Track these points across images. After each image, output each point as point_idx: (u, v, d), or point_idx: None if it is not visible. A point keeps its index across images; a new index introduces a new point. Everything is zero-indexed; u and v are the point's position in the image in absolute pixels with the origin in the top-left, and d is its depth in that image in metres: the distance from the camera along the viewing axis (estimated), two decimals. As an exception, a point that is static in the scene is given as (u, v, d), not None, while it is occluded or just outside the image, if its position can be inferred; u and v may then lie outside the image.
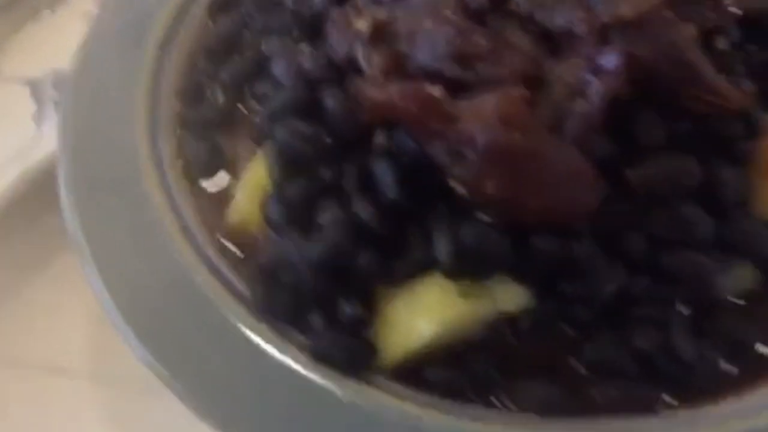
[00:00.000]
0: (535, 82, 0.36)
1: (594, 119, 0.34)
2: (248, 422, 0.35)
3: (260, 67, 0.45)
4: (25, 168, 0.47)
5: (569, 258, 0.36)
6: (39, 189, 0.46)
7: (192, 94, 0.46)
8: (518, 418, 0.36)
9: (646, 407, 0.36)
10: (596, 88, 0.34)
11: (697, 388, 0.36)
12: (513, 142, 0.33)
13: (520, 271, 0.36)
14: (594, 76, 0.34)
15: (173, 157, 0.44)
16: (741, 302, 0.38)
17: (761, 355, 0.38)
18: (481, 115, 0.33)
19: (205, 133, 0.45)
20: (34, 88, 0.52)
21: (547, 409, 0.36)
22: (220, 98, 0.46)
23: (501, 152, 0.33)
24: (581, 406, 0.36)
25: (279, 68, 0.42)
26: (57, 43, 0.51)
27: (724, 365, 0.37)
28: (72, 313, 0.47)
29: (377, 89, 0.35)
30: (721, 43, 0.41)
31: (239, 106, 0.46)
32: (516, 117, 0.33)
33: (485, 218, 0.35)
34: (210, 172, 0.43)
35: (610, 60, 0.34)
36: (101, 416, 0.44)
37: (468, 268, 0.35)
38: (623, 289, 0.37)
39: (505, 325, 0.37)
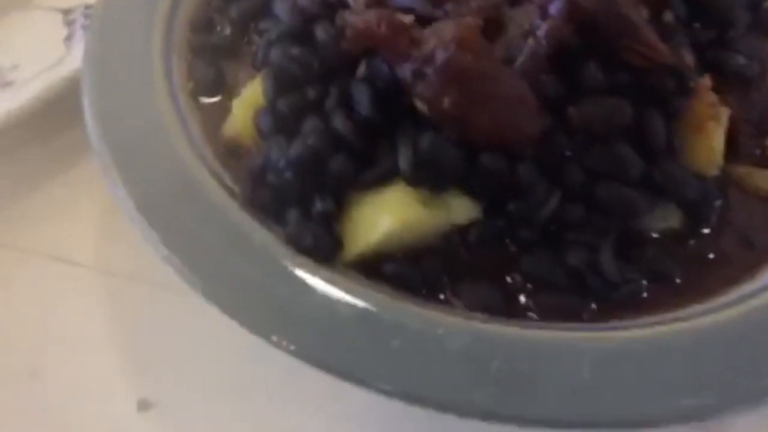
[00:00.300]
0: (494, 24, 0.42)
1: (539, 56, 0.40)
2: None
3: (265, 7, 0.51)
4: (52, 80, 0.53)
5: (513, 178, 0.41)
6: (64, 100, 0.52)
7: (204, 25, 0.52)
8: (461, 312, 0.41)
9: (573, 315, 0.41)
10: (543, 29, 0.40)
11: (618, 304, 0.42)
12: (466, 62, 0.39)
13: (471, 186, 0.42)
14: (543, 20, 0.40)
15: (184, 78, 0.50)
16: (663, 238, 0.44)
17: (675, 284, 0.43)
18: (441, 38, 0.39)
19: (213, 59, 0.51)
20: (67, 15, 0.58)
21: (487, 309, 0.41)
22: (228, 31, 0.52)
23: (456, 71, 0.39)
24: (518, 309, 0.42)
25: (279, 6, 0.48)
26: None
27: (642, 287, 0.43)
28: (86, 211, 0.52)
29: (358, 17, 0.41)
30: (668, 17, 0.47)
31: (244, 39, 0.52)
32: (470, 41, 0.39)
33: (443, 135, 0.41)
34: (214, 92, 0.50)
35: (555, 6, 0.40)
36: (102, 303, 0.49)
37: (426, 177, 0.41)
38: (559, 214, 0.43)
39: (456, 236, 0.43)
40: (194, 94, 0.49)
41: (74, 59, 0.53)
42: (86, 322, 0.48)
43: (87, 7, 0.58)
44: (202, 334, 0.45)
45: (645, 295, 0.42)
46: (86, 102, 0.46)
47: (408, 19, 0.41)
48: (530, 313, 0.42)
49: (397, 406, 0.37)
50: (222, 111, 0.48)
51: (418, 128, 0.42)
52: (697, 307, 0.41)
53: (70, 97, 0.52)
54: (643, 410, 0.36)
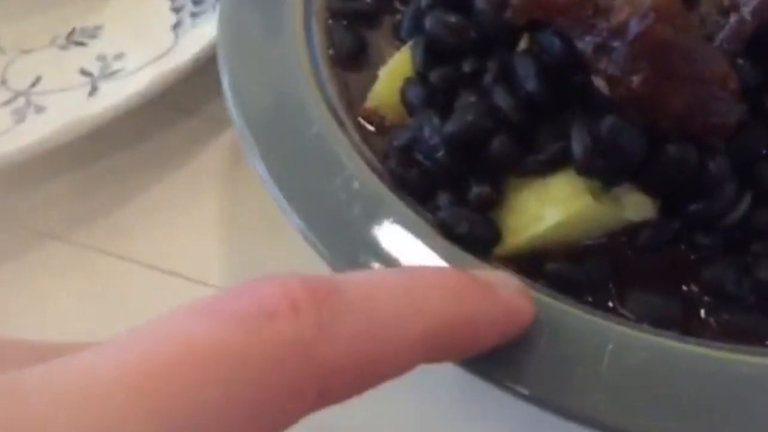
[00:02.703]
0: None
1: (743, 34, 0.35)
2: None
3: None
4: (161, 70, 0.49)
5: (701, 173, 0.36)
6: (173, 92, 0.49)
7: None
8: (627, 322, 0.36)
9: (759, 338, 0.36)
10: (750, 3, 0.34)
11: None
12: (665, 35, 0.33)
13: (650, 180, 0.37)
14: (751, -5, 0.35)
15: (323, 44, 0.46)
16: None
17: None
18: (636, 6, 0.34)
19: (353, 25, 0.47)
20: (174, 1, 0.54)
21: (659, 321, 0.36)
22: (370, -1, 0.48)
23: (652, 44, 0.33)
24: (697, 325, 0.36)
25: (432, -29, 0.44)
26: None
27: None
28: (202, 216, 0.48)
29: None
30: None
31: (387, 6, 0.48)
32: (670, 11, 0.33)
33: (625, 119, 0.36)
34: (355, 60, 0.45)
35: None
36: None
37: (601, 166, 0.36)
38: (748, 220, 0.37)
39: (622, 236, 0.38)
40: (335, 63, 0.45)
41: (182, 50, 0.50)
42: None
43: None
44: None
45: None
46: (224, 72, 0.43)
47: (594, -15, 0.36)
48: (714, 333, 0.36)
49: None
50: (365, 81, 0.44)
51: (593, 111, 0.37)
52: None
53: (173, 90, 0.49)
54: None
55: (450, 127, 0.38)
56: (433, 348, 0.26)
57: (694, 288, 0.37)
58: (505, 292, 0.30)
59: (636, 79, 0.35)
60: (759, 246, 0.37)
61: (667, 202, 0.37)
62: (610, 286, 0.37)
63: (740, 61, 0.37)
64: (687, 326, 0.36)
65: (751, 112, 0.37)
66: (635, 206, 0.37)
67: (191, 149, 0.50)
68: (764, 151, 0.37)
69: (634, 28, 0.34)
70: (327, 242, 0.36)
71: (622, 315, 0.36)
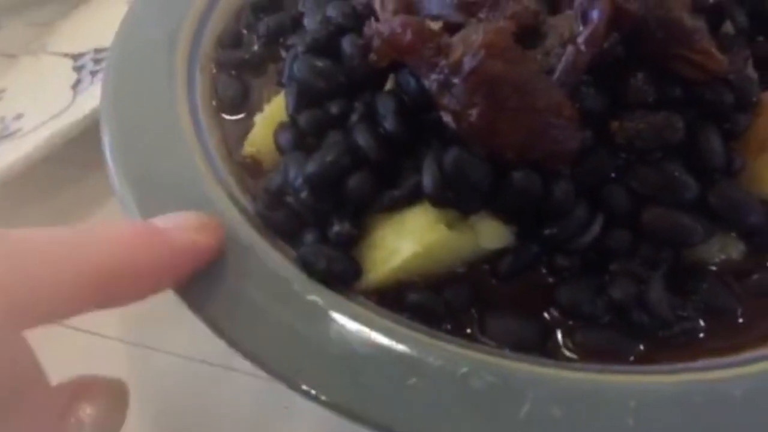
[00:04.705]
0: (533, 32, 0.38)
1: (578, 64, 0.36)
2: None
3: (295, 23, 0.49)
4: (59, 128, 0.50)
5: (548, 199, 0.37)
6: (69, 151, 0.51)
7: (231, 41, 0.50)
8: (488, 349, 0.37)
9: (618, 356, 0.37)
10: (583, 35, 0.36)
11: (669, 344, 0.37)
12: (496, 70, 0.35)
13: (503, 209, 0.38)
14: (585, 27, 0.37)
15: (207, 95, 0.47)
16: (722, 271, 0.39)
17: (736, 323, 0.38)
18: (469, 44, 0.35)
19: (240, 74, 0.49)
20: (76, 61, 0.56)
21: (519, 346, 0.37)
22: (256, 46, 0.50)
23: (484, 79, 0.35)
24: (555, 348, 0.37)
25: (308, 19, 0.46)
26: (103, 24, 0.53)
27: (697, 326, 0.38)
28: None
29: (384, 23, 0.38)
30: (727, 28, 0.43)
31: (272, 55, 0.49)
32: (501, 47, 0.35)
33: (471, 151, 0.37)
34: (237, 108, 0.47)
35: (596, 10, 0.36)
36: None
37: (452, 197, 0.38)
38: (602, 241, 0.38)
39: (485, 264, 0.39)
40: (216, 113, 0.47)
41: (78, 108, 0.51)
42: None
43: (97, 50, 0.56)
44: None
45: (701, 335, 0.38)
46: (104, 131, 0.44)
47: (436, 25, 0.38)
48: (569, 353, 0.37)
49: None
50: (246, 128, 0.46)
51: (445, 145, 0.38)
52: (761, 351, 0.36)
53: (75, 147, 0.50)
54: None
55: (310, 167, 0.39)
56: (96, 292, 0.31)
57: (555, 312, 0.38)
58: (178, 235, 0.34)
59: (474, 113, 0.36)
60: (616, 266, 0.38)
61: (523, 228, 0.39)
62: (473, 312, 0.38)
63: (585, 89, 0.38)
64: (543, 349, 0.37)
65: (596, 138, 0.38)
66: (491, 234, 0.38)
67: (97, 202, 0.52)
68: (612, 175, 0.38)
69: (468, 64, 0.36)
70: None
71: (480, 341, 0.37)
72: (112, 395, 0.34)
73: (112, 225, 0.34)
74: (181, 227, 0.35)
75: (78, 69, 0.55)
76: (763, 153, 0.40)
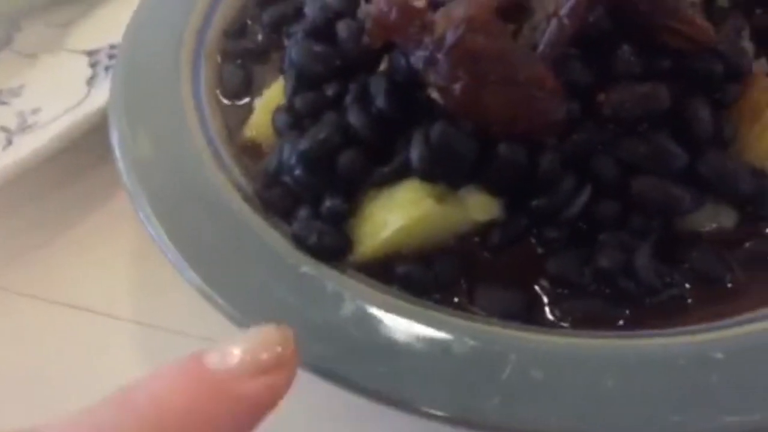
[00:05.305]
0: (519, 9, 0.39)
1: (561, 37, 0.37)
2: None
3: (298, 12, 0.50)
4: (73, 120, 0.52)
5: (535, 171, 0.38)
6: (85, 142, 0.52)
7: (236, 31, 0.52)
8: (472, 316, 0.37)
9: (604, 323, 0.37)
10: (566, 7, 0.37)
11: (656, 311, 0.37)
12: (477, 44, 0.36)
13: (491, 181, 0.39)
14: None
15: (211, 84, 0.49)
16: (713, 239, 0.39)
17: (725, 291, 0.38)
18: (450, 19, 0.36)
19: (245, 63, 0.50)
20: (92, 57, 0.58)
21: (507, 314, 0.37)
22: (260, 36, 0.51)
23: (465, 53, 0.36)
24: (543, 316, 0.38)
25: (309, 7, 0.47)
26: (119, 21, 0.54)
27: (684, 293, 0.38)
28: (115, 256, 0.51)
29: (373, 4, 0.39)
30: (721, 1, 0.43)
31: (275, 43, 0.51)
32: (482, 21, 0.36)
33: (458, 125, 0.38)
34: (241, 95, 0.49)
35: (581, -17, 0.36)
36: (138, 357, 0.47)
37: (439, 171, 0.38)
38: (590, 212, 0.39)
39: (475, 237, 0.40)
40: (220, 100, 0.49)
41: (93, 101, 0.53)
42: (118, 374, 0.45)
43: (111, 46, 0.58)
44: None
45: (689, 302, 0.38)
46: (112, 122, 0.46)
47: (420, 3, 0.38)
48: (558, 321, 0.38)
49: (393, 415, 0.34)
50: (247, 114, 0.47)
51: (433, 121, 0.39)
52: (749, 315, 0.36)
53: (90, 138, 0.52)
54: (674, 428, 0.32)
55: (303, 144, 0.40)
56: None
57: (544, 282, 0.39)
58: (251, 387, 0.27)
59: (457, 87, 0.37)
60: (604, 236, 0.39)
61: (511, 200, 0.39)
62: (462, 284, 0.39)
63: (571, 62, 0.39)
64: (531, 317, 0.37)
65: (584, 110, 0.39)
66: (480, 206, 0.39)
67: (108, 193, 0.54)
68: (600, 146, 0.39)
69: (450, 39, 0.37)
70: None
71: (470, 311, 0.38)
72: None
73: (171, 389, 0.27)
74: (253, 369, 0.28)
75: (93, 65, 0.57)
76: (756, 123, 0.40)
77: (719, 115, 0.39)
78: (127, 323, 0.48)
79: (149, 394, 0.26)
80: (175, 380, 0.27)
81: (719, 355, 0.33)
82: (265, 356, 0.28)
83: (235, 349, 0.28)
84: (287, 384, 0.28)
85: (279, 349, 0.28)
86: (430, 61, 0.38)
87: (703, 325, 0.36)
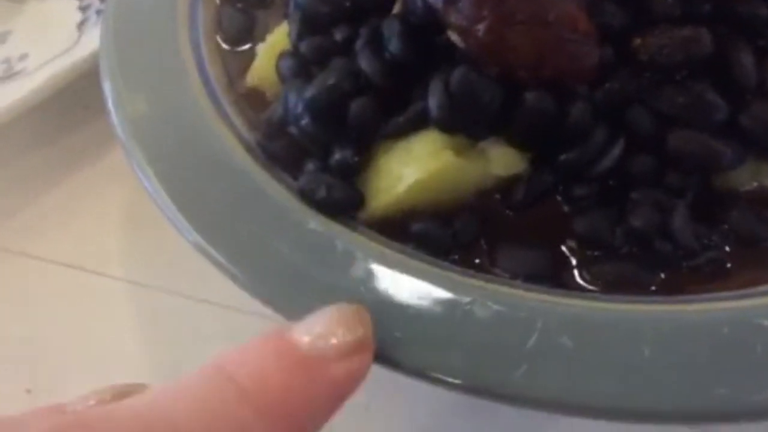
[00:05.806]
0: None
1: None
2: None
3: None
4: (63, 66, 0.49)
5: (564, 121, 0.35)
6: (73, 90, 0.49)
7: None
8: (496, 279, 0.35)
9: (638, 287, 0.34)
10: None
11: (694, 275, 0.35)
12: (504, -21, 0.32)
13: (515, 132, 0.36)
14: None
15: (210, 29, 0.46)
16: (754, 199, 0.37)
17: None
18: (475, -46, 0.33)
19: (246, 6, 0.47)
20: (82, 1, 0.55)
21: (532, 277, 0.35)
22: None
23: (490, -11, 0.33)
24: (571, 279, 0.35)
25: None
26: None
27: (724, 255, 0.35)
28: (106, 211, 0.49)
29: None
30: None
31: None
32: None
33: (481, 70, 0.35)
34: (242, 41, 0.45)
35: None
36: (129, 315, 0.45)
37: (460, 121, 0.35)
38: (623, 167, 0.36)
39: (497, 193, 0.37)
40: (220, 45, 0.45)
41: (83, 47, 0.50)
42: (112, 334, 0.44)
43: None
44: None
45: (729, 265, 0.35)
46: (104, 69, 0.42)
47: (440, -63, 0.35)
48: (587, 285, 0.35)
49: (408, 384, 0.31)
50: (248, 61, 0.44)
51: (452, 66, 0.36)
52: (794, 280, 0.33)
53: (81, 87, 0.49)
54: (712, 401, 0.29)
55: (310, 91, 0.37)
56: None
57: (571, 242, 0.36)
58: (336, 369, 0.27)
59: (481, 28, 0.34)
60: (637, 194, 0.36)
61: (537, 154, 0.36)
62: (483, 244, 0.36)
63: (606, 4, 0.36)
64: (559, 280, 0.34)
65: (618, 55, 0.35)
66: (503, 160, 0.36)
67: (100, 147, 0.51)
68: (635, 96, 0.36)
69: (474, -25, 0.33)
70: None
71: (492, 272, 0.35)
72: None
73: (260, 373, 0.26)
74: (341, 352, 0.28)
75: (84, 9, 0.53)
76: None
77: (764, 64, 0.36)
78: (121, 282, 0.46)
79: (248, 371, 0.26)
80: (268, 359, 0.27)
81: (766, 322, 0.31)
82: (349, 338, 0.28)
83: (319, 328, 0.28)
84: (367, 368, 0.28)
85: (361, 331, 0.28)
86: (452, 1, 0.34)
87: (745, 291, 0.33)
